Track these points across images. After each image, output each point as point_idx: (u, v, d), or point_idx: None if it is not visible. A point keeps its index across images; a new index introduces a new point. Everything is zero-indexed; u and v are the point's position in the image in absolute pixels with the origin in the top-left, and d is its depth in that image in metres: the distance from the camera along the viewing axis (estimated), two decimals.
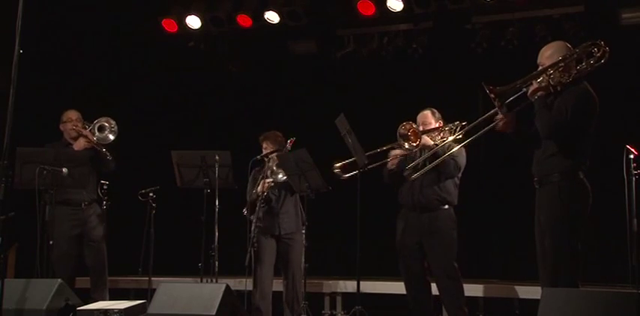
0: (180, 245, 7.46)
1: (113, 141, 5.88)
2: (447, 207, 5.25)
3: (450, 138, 5.15)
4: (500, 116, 4.15)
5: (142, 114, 6.14)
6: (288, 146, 5.70)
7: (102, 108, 6.29)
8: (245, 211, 5.76)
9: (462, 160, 5.23)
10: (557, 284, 3.86)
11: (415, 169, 5.11)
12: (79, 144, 5.84)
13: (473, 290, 6.05)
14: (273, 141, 5.81)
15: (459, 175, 5.30)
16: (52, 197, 5.34)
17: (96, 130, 5.86)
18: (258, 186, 5.68)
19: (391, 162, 5.36)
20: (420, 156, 5.32)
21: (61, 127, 6.00)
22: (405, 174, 5.26)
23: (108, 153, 5.83)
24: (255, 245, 5.56)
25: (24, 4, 3.76)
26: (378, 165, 5.42)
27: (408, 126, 5.18)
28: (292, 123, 6.48)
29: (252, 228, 5.64)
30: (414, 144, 5.16)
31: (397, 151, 5.33)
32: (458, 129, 5.12)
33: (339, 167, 5.57)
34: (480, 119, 4.53)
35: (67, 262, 5.72)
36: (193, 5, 8.01)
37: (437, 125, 5.32)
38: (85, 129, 5.88)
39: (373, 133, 5.54)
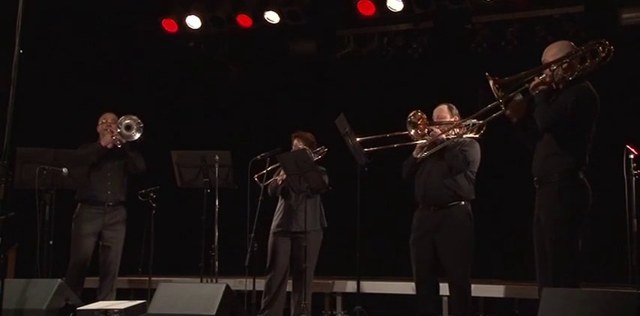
0: (180, 245, 7.46)
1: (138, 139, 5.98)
2: (463, 203, 5.07)
3: (465, 136, 5.04)
4: (517, 99, 4.09)
5: (141, 114, 6.13)
6: (318, 154, 5.83)
7: (101, 107, 6.29)
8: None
9: (474, 155, 5.11)
10: (558, 284, 3.86)
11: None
12: (106, 140, 5.93)
13: (473, 290, 6.02)
14: (304, 141, 5.90)
15: (474, 170, 5.14)
16: (52, 197, 5.35)
17: (123, 129, 5.94)
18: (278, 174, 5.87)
19: (417, 151, 5.20)
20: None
21: (98, 129, 6.10)
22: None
23: (128, 149, 5.94)
24: (256, 245, 5.57)
25: (24, 4, 3.76)
26: (376, 149, 5.34)
27: (418, 115, 5.07)
28: (292, 123, 6.47)
29: (272, 227, 5.68)
30: (420, 133, 5.07)
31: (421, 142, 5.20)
32: (476, 129, 4.98)
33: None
34: (482, 110, 4.53)
35: (81, 260, 5.77)
36: (193, 5, 8.02)
37: (452, 120, 5.19)
38: (117, 129, 5.95)
39: (373, 133, 5.54)
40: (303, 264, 5.65)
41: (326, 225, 5.89)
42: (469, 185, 5.13)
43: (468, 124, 4.99)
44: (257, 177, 5.84)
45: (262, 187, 5.78)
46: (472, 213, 5.11)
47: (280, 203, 5.96)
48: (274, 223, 5.88)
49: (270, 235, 5.87)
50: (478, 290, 6.19)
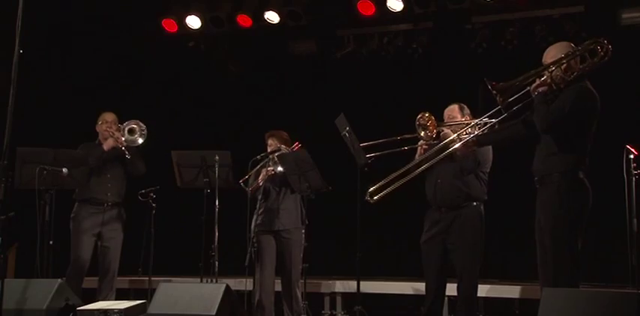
0: (180, 245, 7.46)
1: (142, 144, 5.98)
2: (475, 204, 5.02)
3: (476, 133, 4.85)
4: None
5: (141, 114, 6.14)
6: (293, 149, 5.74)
7: (101, 107, 6.29)
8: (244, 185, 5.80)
9: (485, 154, 5.05)
10: (557, 284, 3.86)
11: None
12: (108, 144, 5.93)
13: None
14: (279, 140, 5.84)
15: (485, 170, 5.09)
16: (53, 197, 5.35)
17: (126, 133, 5.95)
18: (260, 175, 5.77)
19: (419, 152, 5.12)
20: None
21: (97, 129, 6.09)
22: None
23: (130, 155, 5.92)
24: (256, 245, 5.57)
25: (24, 4, 3.76)
26: (381, 154, 5.25)
27: (427, 117, 4.96)
28: (292, 123, 6.47)
29: (252, 227, 5.67)
30: (430, 134, 4.96)
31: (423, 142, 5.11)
32: (486, 127, 4.94)
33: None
34: (485, 116, 4.55)
35: (81, 260, 5.77)
36: (193, 5, 8.02)
37: (463, 120, 5.09)
38: (118, 131, 5.95)
39: (373, 133, 5.53)
40: (290, 264, 5.65)
41: (307, 223, 5.80)
42: (481, 186, 5.07)
43: (478, 123, 4.85)
44: (242, 182, 5.79)
45: (249, 192, 5.74)
46: (484, 214, 5.06)
47: (261, 202, 5.85)
48: (255, 222, 5.76)
49: (252, 233, 5.78)
50: (478, 290, 6.19)
